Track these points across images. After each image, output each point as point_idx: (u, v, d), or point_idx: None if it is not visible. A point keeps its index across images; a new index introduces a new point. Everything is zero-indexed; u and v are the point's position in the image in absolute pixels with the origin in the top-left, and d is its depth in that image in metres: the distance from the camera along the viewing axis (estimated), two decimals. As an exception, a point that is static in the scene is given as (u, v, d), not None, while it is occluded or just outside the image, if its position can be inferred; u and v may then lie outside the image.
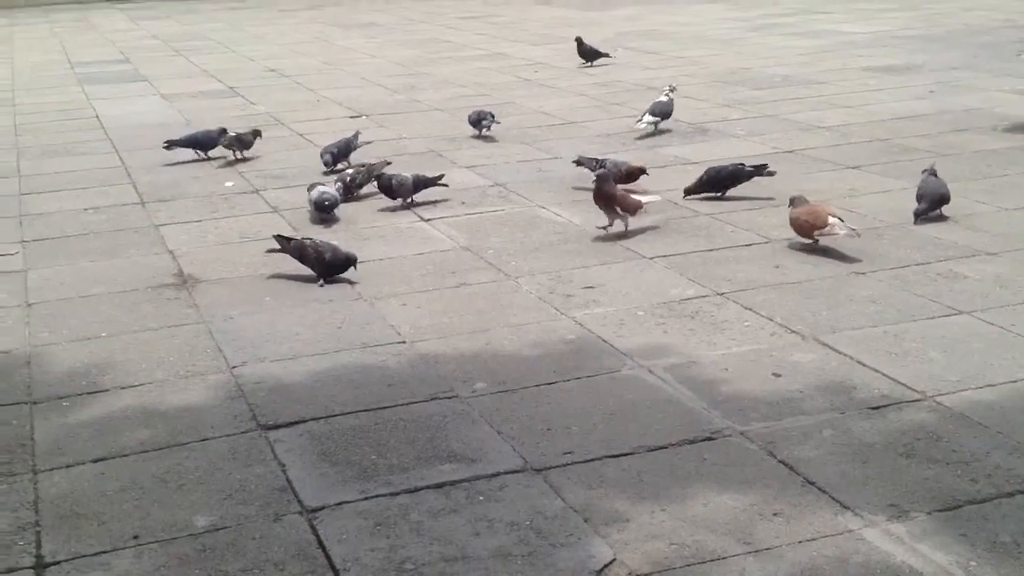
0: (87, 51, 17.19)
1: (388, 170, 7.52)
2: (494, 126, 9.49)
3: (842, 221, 5.96)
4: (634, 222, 6.55)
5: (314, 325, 5.37)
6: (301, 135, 9.95)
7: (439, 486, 3.83)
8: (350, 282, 5.91)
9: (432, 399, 4.51)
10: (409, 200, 7.36)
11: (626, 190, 6.71)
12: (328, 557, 3.45)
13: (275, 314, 5.54)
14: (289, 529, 3.61)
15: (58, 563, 3.49)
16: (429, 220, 7.08)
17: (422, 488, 3.82)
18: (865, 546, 3.37)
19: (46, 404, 4.63)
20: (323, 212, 7.07)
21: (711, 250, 6.23)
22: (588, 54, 13.31)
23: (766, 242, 6.31)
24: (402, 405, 4.46)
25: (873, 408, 4.26)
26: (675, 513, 3.60)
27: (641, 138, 9.15)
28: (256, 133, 9.12)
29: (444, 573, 3.34)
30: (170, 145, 9.00)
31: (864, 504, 3.60)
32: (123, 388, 4.75)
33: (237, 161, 8.94)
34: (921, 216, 6.47)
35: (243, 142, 8.99)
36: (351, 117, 10.73)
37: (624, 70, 12.85)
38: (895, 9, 17.83)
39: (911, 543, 3.37)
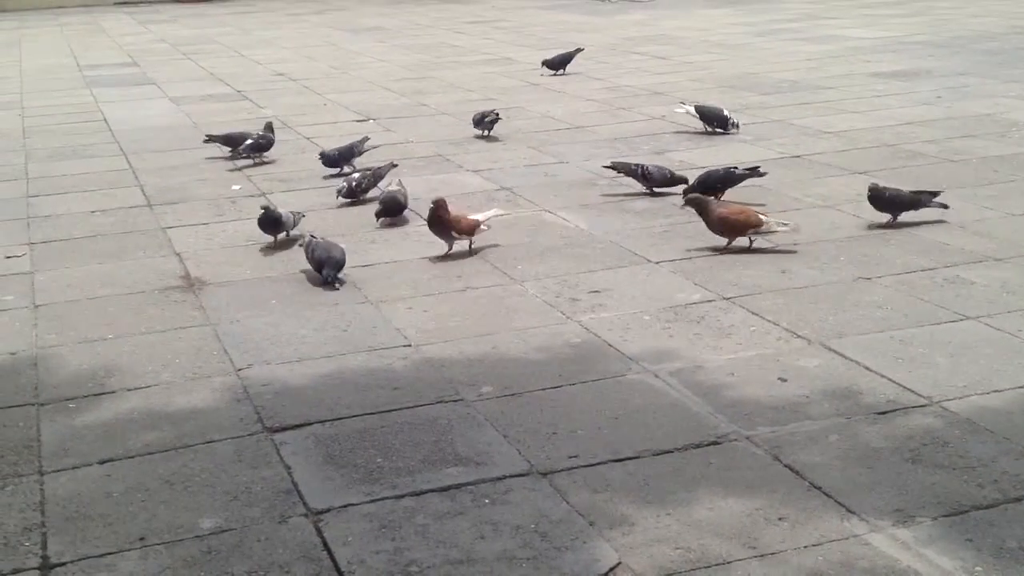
0: (96, 54, 17.23)
1: (391, 186, 7.36)
2: (497, 125, 9.48)
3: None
4: (479, 239, 6.44)
5: (320, 328, 5.38)
6: (308, 139, 9.96)
7: (444, 489, 3.83)
8: (356, 286, 5.93)
9: (438, 402, 4.51)
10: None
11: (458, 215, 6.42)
12: (333, 559, 3.45)
13: (281, 317, 5.55)
14: (294, 531, 3.62)
15: (64, 564, 3.50)
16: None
17: (427, 491, 3.82)
18: (871, 551, 3.36)
19: (52, 406, 4.64)
20: (269, 231, 6.74)
21: (717, 254, 6.23)
22: (556, 64, 13.07)
23: (772, 247, 6.31)
24: (408, 408, 4.46)
25: (879, 413, 4.26)
26: (680, 517, 3.60)
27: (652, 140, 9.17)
28: (269, 127, 9.24)
29: (449, 576, 3.34)
30: (232, 147, 9.09)
31: (870, 509, 3.59)
32: (129, 390, 4.76)
33: (254, 164, 8.97)
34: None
35: (268, 141, 9.08)
36: (358, 121, 10.75)
37: (632, 75, 12.85)
38: (902, 15, 17.81)
39: (917, 548, 3.37)
